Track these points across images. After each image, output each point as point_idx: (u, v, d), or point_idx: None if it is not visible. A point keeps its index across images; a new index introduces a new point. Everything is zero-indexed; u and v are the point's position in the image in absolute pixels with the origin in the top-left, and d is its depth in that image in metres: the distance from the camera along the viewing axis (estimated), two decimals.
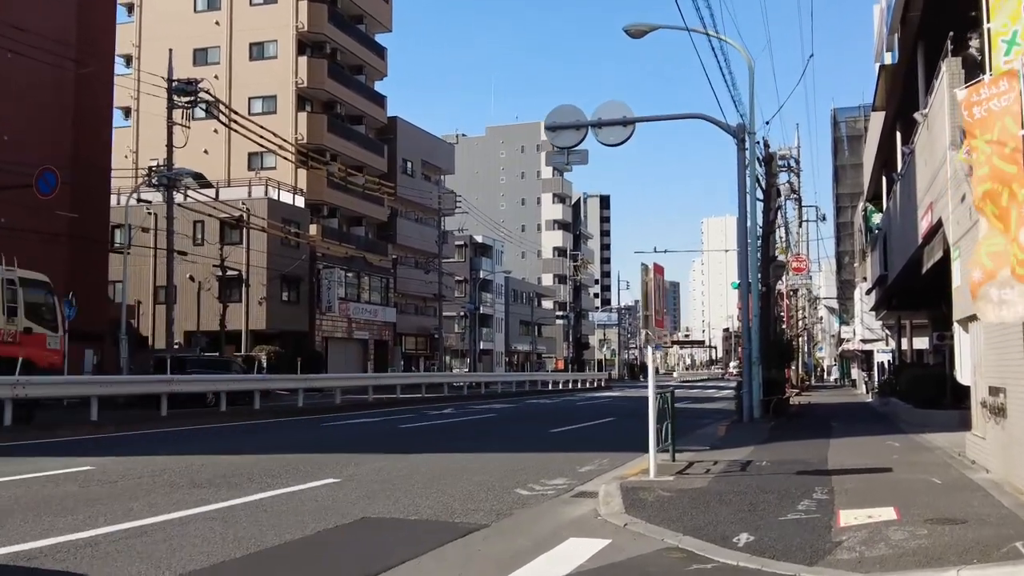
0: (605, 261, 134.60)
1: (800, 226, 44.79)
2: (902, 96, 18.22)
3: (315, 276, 46.62)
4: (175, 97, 30.57)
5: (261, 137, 31.42)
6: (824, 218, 49.82)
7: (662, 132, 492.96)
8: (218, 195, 39.85)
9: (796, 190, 39.75)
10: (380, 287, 54.12)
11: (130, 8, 51.59)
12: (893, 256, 21.31)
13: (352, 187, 47.38)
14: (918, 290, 19.87)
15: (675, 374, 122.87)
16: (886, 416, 21.47)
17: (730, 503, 7.52)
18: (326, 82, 49.31)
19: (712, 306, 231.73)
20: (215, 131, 43.13)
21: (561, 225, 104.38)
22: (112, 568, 5.54)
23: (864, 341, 42.52)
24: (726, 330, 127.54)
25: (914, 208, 15.41)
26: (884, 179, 25.43)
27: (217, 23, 49.82)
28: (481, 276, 72.72)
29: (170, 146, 30.20)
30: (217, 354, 34.23)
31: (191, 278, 38.56)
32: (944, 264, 12.55)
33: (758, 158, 21.65)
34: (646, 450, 9.54)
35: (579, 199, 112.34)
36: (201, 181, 38.95)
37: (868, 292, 32.39)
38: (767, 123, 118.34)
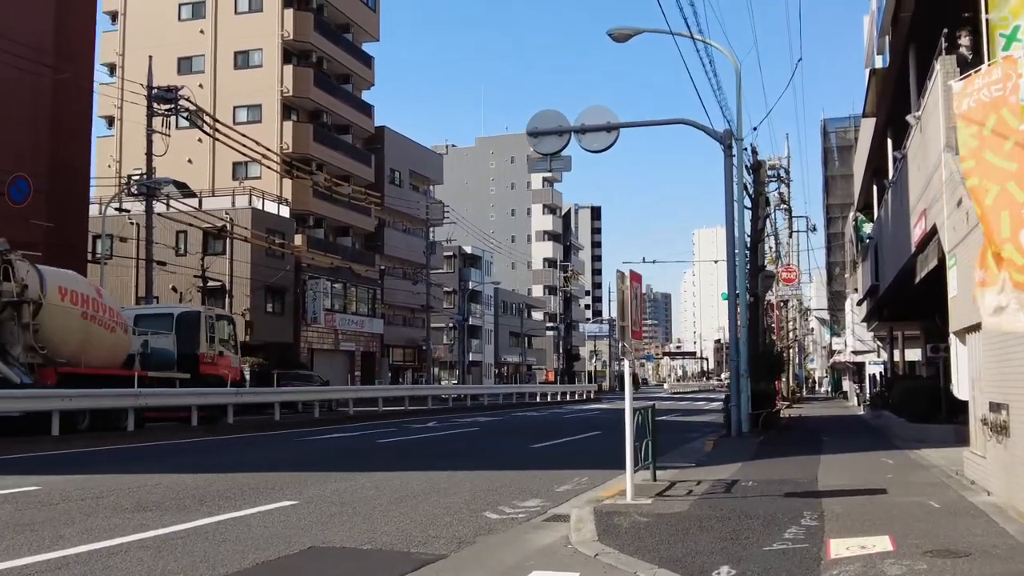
0: (596, 272, 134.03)
1: (790, 236, 44.37)
2: (893, 101, 17.75)
3: (300, 287, 45.95)
4: (155, 105, 30.00)
5: (244, 146, 30.81)
6: (815, 229, 49.29)
7: (655, 145, 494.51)
8: (201, 205, 39.17)
9: (786, 200, 39.36)
10: (367, 298, 53.44)
11: (114, 16, 51.00)
12: (885, 266, 20.81)
13: (339, 197, 46.73)
14: (910, 300, 19.38)
15: (666, 385, 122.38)
16: (878, 430, 20.91)
17: (711, 530, 6.93)
18: (312, 91, 48.74)
19: (704, 318, 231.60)
20: (199, 140, 42.58)
21: (551, 236, 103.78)
22: None
23: (855, 353, 42.07)
24: (717, 341, 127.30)
25: (907, 215, 14.89)
26: (875, 188, 24.97)
27: (202, 31, 49.24)
28: (470, 287, 72.06)
29: (149, 154, 29.58)
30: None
31: (173, 289, 37.84)
32: (938, 273, 12.03)
33: (746, 165, 21.17)
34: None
35: (570, 210, 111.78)
36: (184, 191, 38.30)
37: (859, 303, 31.92)
38: (755, 129, 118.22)
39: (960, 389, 10.44)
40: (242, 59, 48.96)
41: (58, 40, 31.37)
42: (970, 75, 7.23)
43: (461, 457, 14.79)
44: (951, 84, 7.99)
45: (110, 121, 49.54)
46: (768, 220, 29.26)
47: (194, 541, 6.89)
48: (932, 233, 12.01)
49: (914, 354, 29.24)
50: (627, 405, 8.68)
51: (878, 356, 37.51)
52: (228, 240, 39.31)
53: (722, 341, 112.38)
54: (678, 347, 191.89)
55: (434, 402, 36.55)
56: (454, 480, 11.01)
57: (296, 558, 6.34)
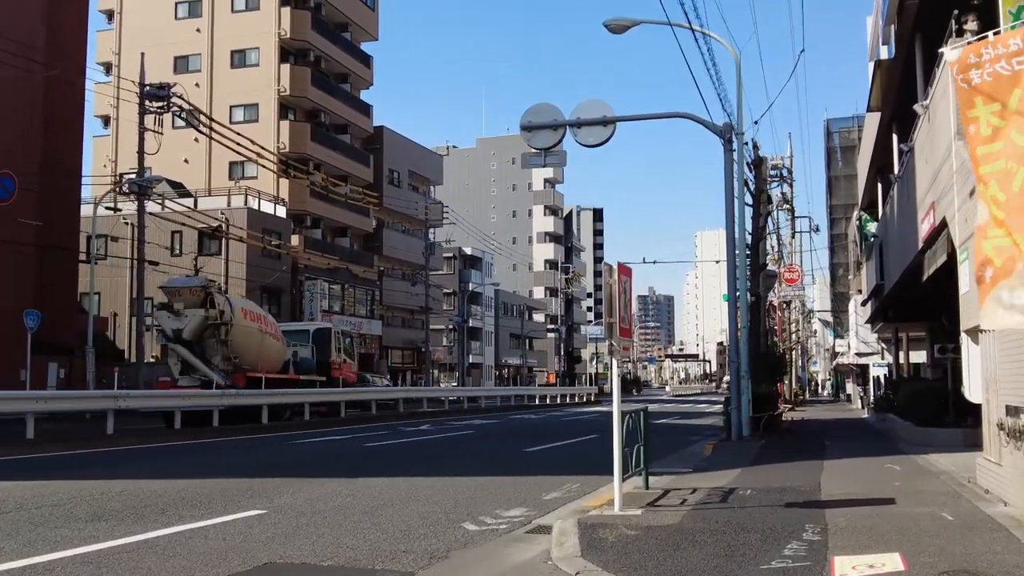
0: (598, 274, 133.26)
1: (793, 237, 43.75)
2: (899, 94, 17.17)
3: (297, 288, 45.41)
4: (147, 102, 29.43)
5: (240, 145, 30.24)
6: (818, 229, 48.71)
7: (660, 147, 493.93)
8: (197, 204, 38.64)
9: (789, 200, 38.76)
10: (365, 299, 52.91)
11: (110, 15, 50.57)
12: (890, 264, 20.23)
13: (336, 197, 46.20)
14: (916, 300, 18.81)
15: (667, 388, 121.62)
16: (884, 434, 20.30)
17: (704, 545, 6.34)
18: (309, 90, 48.23)
19: (706, 320, 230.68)
20: (195, 140, 42.05)
21: (553, 238, 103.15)
22: None
23: (859, 355, 41.44)
24: (720, 343, 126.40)
25: (914, 210, 14.31)
26: (879, 185, 24.40)
27: (198, 30, 48.75)
28: (470, 288, 71.48)
29: (141, 152, 28.99)
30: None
31: None
32: (946, 270, 11.46)
33: (747, 161, 20.59)
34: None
35: (571, 212, 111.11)
36: (180, 190, 37.75)
37: (863, 304, 31.32)
38: (756, 123, 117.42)
39: (972, 391, 9.84)
40: (239, 58, 48.49)
41: (49, 37, 30.90)
42: (971, 42, 6.64)
43: (449, 461, 14.22)
44: (942, 51, 7.38)
45: (106, 120, 49.06)
46: (770, 218, 28.64)
47: (141, 556, 6.33)
48: (941, 227, 11.44)
49: (919, 356, 28.64)
50: (615, 408, 8.11)
51: (882, 358, 36.88)
52: (224, 240, 38.77)
53: (725, 344, 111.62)
54: (680, 350, 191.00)
55: (430, 404, 35.94)
56: (437, 487, 10.44)
57: None
